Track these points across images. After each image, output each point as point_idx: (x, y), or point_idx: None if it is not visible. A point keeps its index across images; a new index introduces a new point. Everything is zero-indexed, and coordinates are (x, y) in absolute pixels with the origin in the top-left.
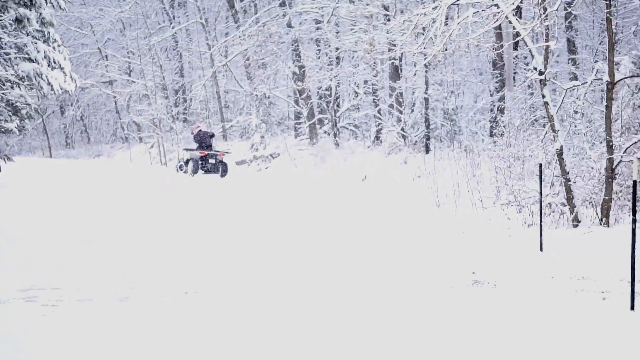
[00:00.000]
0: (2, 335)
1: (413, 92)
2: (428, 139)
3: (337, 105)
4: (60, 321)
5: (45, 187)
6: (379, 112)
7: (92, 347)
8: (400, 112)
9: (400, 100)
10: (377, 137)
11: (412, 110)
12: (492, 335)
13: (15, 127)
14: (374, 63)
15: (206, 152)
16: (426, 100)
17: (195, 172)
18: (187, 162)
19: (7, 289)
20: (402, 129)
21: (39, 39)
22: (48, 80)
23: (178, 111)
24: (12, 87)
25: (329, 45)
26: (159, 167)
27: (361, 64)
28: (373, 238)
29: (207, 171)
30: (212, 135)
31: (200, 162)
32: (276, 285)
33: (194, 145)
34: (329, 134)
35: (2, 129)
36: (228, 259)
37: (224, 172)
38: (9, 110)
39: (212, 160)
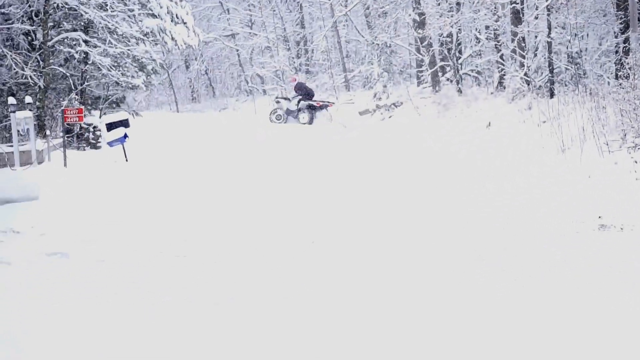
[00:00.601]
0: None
1: (536, 36)
2: (552, 83)
3: (459, 52)
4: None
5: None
6: (501, 57)
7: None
8: (523, 57)
9: (523, 45)
10: (500, 83)
11: (535, 55)
12: (619, 279)
13: (142, 83)
14: (495, 8)
15: (320, 102)
16: (549, 44)
17: (309, 121)
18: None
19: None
20: (526, 74)
21: None
22: (172, 35)
23: (300, 62)
24: (137, 43)
25: None
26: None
27: (482, 9)
28: (497, 185)
29: (311, 120)
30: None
31: (308, 111)
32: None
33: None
34: (451, 81)
35: (130, 85)
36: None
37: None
38: (135, 66)
39: (321, 110)
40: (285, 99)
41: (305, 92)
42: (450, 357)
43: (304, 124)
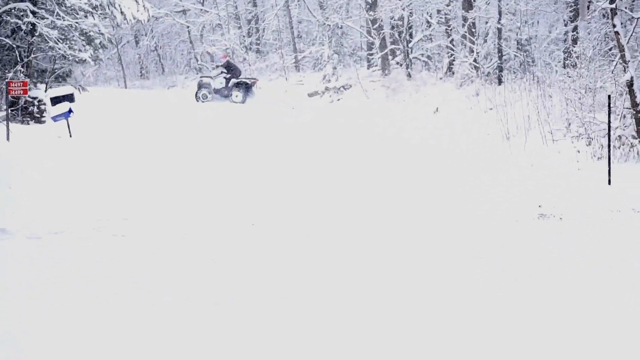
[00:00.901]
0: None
1: (486, 22)
2: (501, 70)
3: (410, 36)
4: None
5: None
6: (451, 42)
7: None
8: (473, 43)
9: (473, 30)
10: (449, 69)
11: (485, 41)
12: (554, 267)
13: (89, 57)
14: None
15: (252, 80)
16: (499, 30)
17: (242, 100)
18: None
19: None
20: (475, 60)
21: None
22: (121, 9)
23: (251, 41)
24: (85, 16)
25: None
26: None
27: None
28: (442, 169)
29: (244, 99)
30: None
31: (242, 90)
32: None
33: (214, 73)
34: (401, 65)
35: (76, 59)
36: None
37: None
38: (83, 40)
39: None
40: (208, 77)
41: (234, 71)
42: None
43: (237, 102)
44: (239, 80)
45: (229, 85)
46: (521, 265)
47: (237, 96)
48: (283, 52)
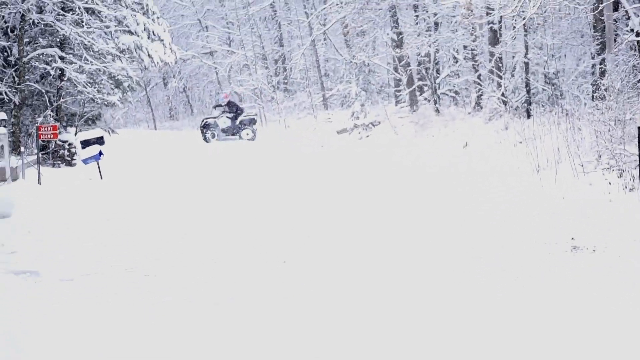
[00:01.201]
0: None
1: (513, 57)
2: (529, 104)
3: (437, 72)
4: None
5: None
6: (478, 77)
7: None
8: (500, 77)
9: (500, 65)
10: (477, 103)
11: (513, 75)
12: (590, 300)
13: (118, 100)
14: (473, 28)
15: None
16: (526, 64)
17: (253, 137)
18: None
19: None
20: (503, 94)
21: (137, 12)
22: (148, 52)
23: (278, 81)
24: (113, 60)
25: (427, 11)
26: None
27: (460, 29)
28: (472, 202)
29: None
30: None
31: (251, 127)
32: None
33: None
34: (429, 100)
35: (105, 102)
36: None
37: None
38: (111, 83)
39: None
40: (212, 117)
41: (236, 109)
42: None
43: (248, 139)
44: (246, 116)
45: (237, 123)
46: (556, 297)
47: (247, 134)
48: (311, 91)
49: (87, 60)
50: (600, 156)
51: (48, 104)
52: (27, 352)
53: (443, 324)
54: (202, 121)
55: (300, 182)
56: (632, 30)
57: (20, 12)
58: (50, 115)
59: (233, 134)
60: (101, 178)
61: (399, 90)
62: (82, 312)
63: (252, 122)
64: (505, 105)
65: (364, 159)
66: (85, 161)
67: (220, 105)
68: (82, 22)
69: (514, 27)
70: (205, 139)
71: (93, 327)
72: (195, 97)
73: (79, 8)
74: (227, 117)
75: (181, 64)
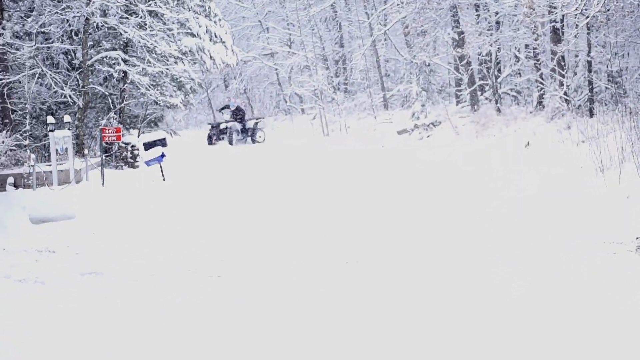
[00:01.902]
0: None
1: (576, 55)
2: (592, 102)
3: (498, 71)
4: None
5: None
6: (540, 76)
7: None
8: (563, 76)
9: (562, 63)
10: (539, 102)
11: (575, 74)
12: None
13: (180, 102)
14: (535, 26)
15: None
16: (589, 63)
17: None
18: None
19: None
20: (565, 93)
21: (200, 14)
22: (210, 54)
23: (339, 82)
24: (175, 62)
25: (488, 10)
26: (321, 138)
27: (521, 28)
28: (534, 202)
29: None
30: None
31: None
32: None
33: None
34: (490, 100)
35: (168, 104)
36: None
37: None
38: (174, 85)
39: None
40: (231, 121)
41: (243, 114)
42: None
43: (261, 142)
44: (251, 119)
45: (248, 126)
46: (624, 298)
47: (260, 136)
48: (371, 91)
49: (150, 62)
50: None
51: (111, 107)
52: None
53: (516, 324)
54: (216, 125)
55: (362, 183)
56: None
57: (84, 16)
58: (113, 117)
59: (244, 137)
60: (164, 180)
61: (460, 90)
62: (147, 312)
63: (257, 125)
64: (568, 104)
65: (423, 158)
66: (147, 163)
67: (227, 108)
68: (145, 24)
69: (577, 25)
70: (210, 143)
71: (159, 328)
72: (256, 98)
73: (142, 11)
74: (238, 121)
75: (242, 65)
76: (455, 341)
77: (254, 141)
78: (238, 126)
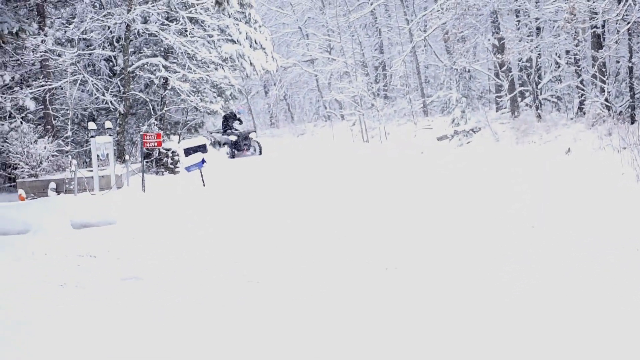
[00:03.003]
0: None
1: (617, 61)
2: (633, 109)
3: (538, 77)
4: None
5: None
6: (581, 82)
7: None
8: (604, 82)
9: (603, 69)
10: (580, 109)
11: (616, 80)
12: None
13: (220, 108)
14: (575, 32)
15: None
16: (630, 69)
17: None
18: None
19: None
20: (606, 99)
21: (240, 20)
22: (250, 60)
23: (378, 88)
24: (216, 69)
25: (529, 16)
26: (360, 144)
27: (562, 34)
28: (574, 208)
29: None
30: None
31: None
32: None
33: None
34: (530, 106)
35: (208, 110)
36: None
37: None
38: (214, 92)
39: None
40: (252, 131)
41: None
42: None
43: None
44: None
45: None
46: None
47: (255, 149)
48: (411, 97)
49: (190, 69)
50: None
51: (152, 113)
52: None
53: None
54: (233, 138)
55: (400, 188)
56: None
57: (125, 23)
58: (154, 123)
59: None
60: (204, 185)
61: (500, 96)
62: (187, 317)
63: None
64: (609, 110)
65: (462, 164)
66: (188, 169)
67: (235, 117)
68: (186, 31)
69: (618, 31)
70: (232, 155)
71: (198, 334)
72: (296, 104)
73: (183, 18)
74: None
75: (282, 71)
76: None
77: (256, 152)
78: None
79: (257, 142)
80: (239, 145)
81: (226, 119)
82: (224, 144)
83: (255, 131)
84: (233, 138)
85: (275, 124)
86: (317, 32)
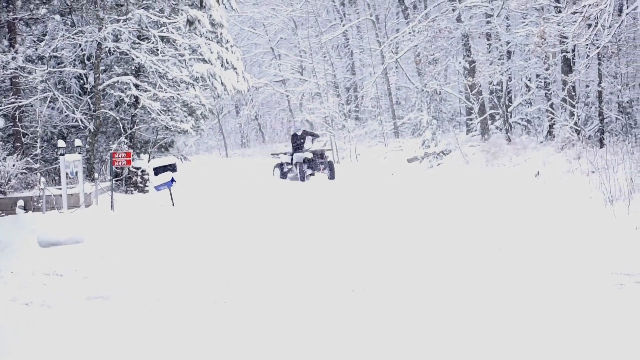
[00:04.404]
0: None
1: (587, 86)
2: (602, 133)
3: (509, 100)
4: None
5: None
6: (551, 106)
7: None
8: (573, 106)
9: (573, 94)
10: (549, 132)
11: (586, 104)
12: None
13: (191, 128)
14: (546, 56)
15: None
16: (600, 93)
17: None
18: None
19: None
20: (576, 124)
21: (212, 40)
22: (221, 80)
23: (350, 109)
24: (187, 88)
25: (499, 39)
26: None
27: (532, 58)
28: (541, 232)
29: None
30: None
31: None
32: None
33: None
34: (500, 129)
35: (178, 130)
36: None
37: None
38: (185, 111)
39: (320, 159)
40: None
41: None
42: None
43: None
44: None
45: (326, 155)
46: (630, 332)
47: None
48: (382, 119)
49: (161, 87)
50: None
51: (122, 131)
52: None
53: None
54: (309, 155)
55: (369, 209)
56: None
57: (97, 41)
58: (124, 142)
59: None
60: (173, 205)
61: (471, 119)
62: (153, 337)
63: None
64: (578, 134)
65: (432, 186)
66: (157, 188)
67: (307, 134)
68: (157, 50)
69: (588, 55)
70: (302, 178)
71: (164, 354)
72: (267, 124)
73: (154, 36)
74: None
75: (253, 92)
76: None
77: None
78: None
79: (331, 162)
80: (316, 165)
81: (296, 137)
82: (294, 163)
83: (330, 149)
84: (309, 155)
85: (246, 144)
86: (289, 53)
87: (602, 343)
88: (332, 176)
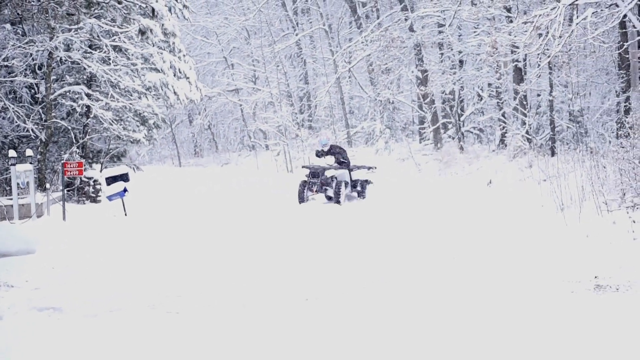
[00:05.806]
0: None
1: (538, 95)
2: (553, 141)
3: (461, 109)
4: None
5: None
6: (503, 115)
7: None
8: (525, 115)
9: (525, 103)
10: (501, 141)
11: (537, 113)
12: (615, 342)
13: (144, 137)
14: (497, 66)
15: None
16: (551, 102)
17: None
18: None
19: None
20: (527, 132)
21: (164, 50)
22: (174, 90)
23: (303, 118)
24: (139, 98)
25: (452, 49)
26: (284, 175)
27: (484, 67)
28: (493, 241)
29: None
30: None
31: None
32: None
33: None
34: (453, 138)
35: (131, 139)
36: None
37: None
38: (137, 120)
39: (314, 180)
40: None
41: (344, 155)
42: None
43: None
44: (367, 167)
45: (356, 177)
46: (579, 337)
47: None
48: (335, 128)
49: (114, 97)
50: (624, 194)
51: (74, 141)
52: None
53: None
54: (317, 172)
55: (321, 219)
56: None
57: (47, 50)
58: (76, 152)
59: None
60: (125, 215)
61: (424, 128)
62: (104, 349)
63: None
64: (530, 143)
65: (386, 195)
66: (109, 198)
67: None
68: (109, 59)
69: (539, 65)
70: (303, 200)
71: None
72: (220, 134)
73: (106, 46)
74: (344, 167)
75: (206, 101)
76: None
77: (360, 195)
78: (347, 176)
79: (338, 182)
80: (362, 186)
81: (339, 153)
82: (345, 183)
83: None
84: (362, 176)
85: (200, 153)
86: (242, 62)
87: (551, 348)
88: (336, 200)
